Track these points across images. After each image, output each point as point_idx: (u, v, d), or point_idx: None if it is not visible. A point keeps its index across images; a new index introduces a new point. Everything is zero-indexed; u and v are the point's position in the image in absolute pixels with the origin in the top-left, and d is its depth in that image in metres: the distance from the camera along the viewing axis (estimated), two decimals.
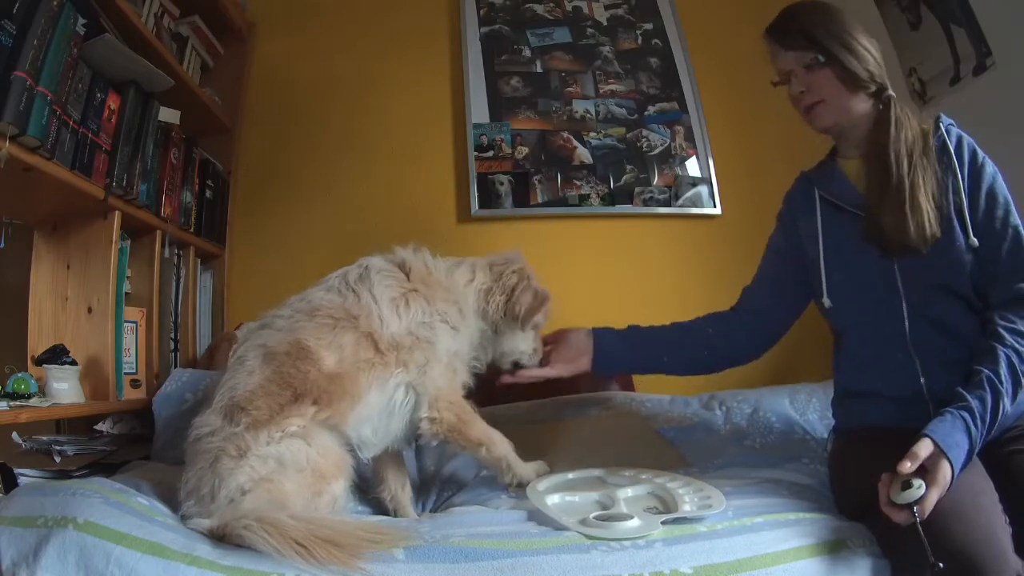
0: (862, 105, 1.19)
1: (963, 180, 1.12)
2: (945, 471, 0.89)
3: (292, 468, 1.04)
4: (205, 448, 1.05)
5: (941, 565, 0.81)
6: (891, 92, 1.19)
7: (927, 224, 1.09)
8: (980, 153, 1.15)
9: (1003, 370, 0.98)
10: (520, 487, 1.23)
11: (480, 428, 1.24)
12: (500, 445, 1.25)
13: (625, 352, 1.39)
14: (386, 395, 1.19)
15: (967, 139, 1.17)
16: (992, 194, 1.11)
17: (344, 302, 1.20)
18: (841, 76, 1.16)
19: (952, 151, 1.14)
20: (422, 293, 1.25)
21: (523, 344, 1.37)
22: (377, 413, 1.19)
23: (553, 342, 1.41)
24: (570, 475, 1.29)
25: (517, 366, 1.38)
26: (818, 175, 1.28)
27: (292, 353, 1.12)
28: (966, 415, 0.94)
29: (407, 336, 1.20)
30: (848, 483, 1.14)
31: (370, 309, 1.20)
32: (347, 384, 1.13)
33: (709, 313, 1.41)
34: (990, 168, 1.13)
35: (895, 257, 1.13)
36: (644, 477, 1.24)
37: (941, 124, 1.18)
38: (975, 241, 1.09)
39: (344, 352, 1.15)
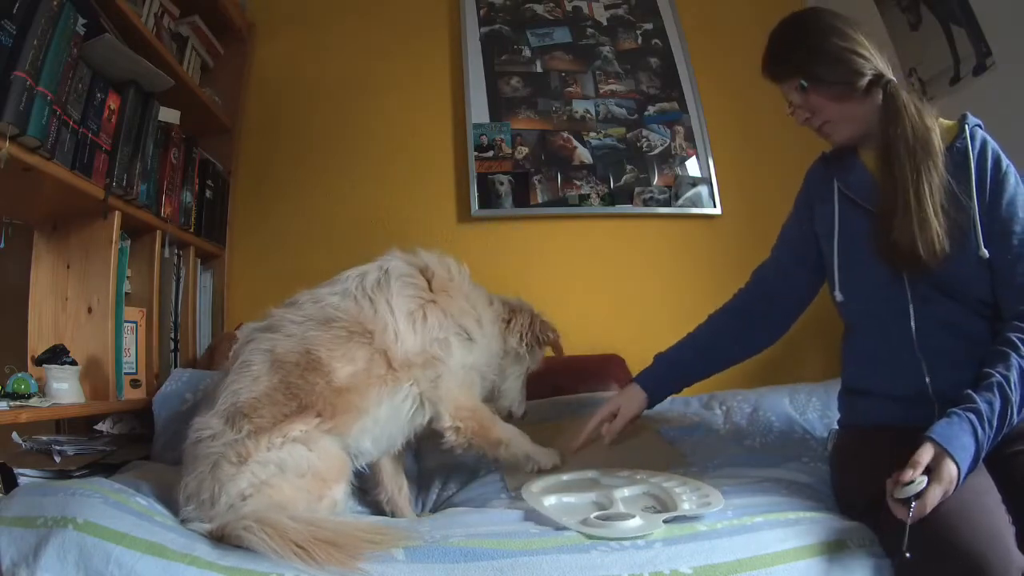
0: (867, 103, 1.13)
1: (983, 190, 1.08)
2: (949, 469, 0.89)
3: (293, 473, 1.04)
4: (205, 452, 1.05)
5: (909, 555, 0.84)
6: (891, 78, 1.13)
7: (935, 240, 1.05)
8: (1004, 161, 1.10)
9: (1015, 378, 0.97)
10: (541, 472, 1.29)
11: (500, 428, 1.29)
12: (518, 440, 1.30)
13: (671, 390, 1.42)
14: (394, 407, 1.19)
15: (991, 144, 1.12)
16: (1012, 206, 1.07)
17: (360, 313, 1.19)
18: (828, 93, 1.12)
19: (973, 158, 1.09)
20: (440, 305, 1.26)
21: (514, 387, 1.45)
22: (382, 425, 1.19)
23: (611, 414, 1.36)
24: (565, 476, 1.29)
25: (510, 415, 1.45)
26: (837, 162, 1.24)
27: (301, 364, 1.12)
28: (973, 417, 0.93)
29: (420, 354, 1.21)
30: (850, 481, 1.14)
31: (386, 322, 1.19)
32: (355, 398, 1.13)
33: (717, 316, 1.39)
34: (1013, 178, 1.08)
35: (905, 272, 1.11)
36: (639, 477, 1.24)
37: (966, 126, 1.12)
38: (985, 253, 1.06)
39: (357, 366, 1.15)
